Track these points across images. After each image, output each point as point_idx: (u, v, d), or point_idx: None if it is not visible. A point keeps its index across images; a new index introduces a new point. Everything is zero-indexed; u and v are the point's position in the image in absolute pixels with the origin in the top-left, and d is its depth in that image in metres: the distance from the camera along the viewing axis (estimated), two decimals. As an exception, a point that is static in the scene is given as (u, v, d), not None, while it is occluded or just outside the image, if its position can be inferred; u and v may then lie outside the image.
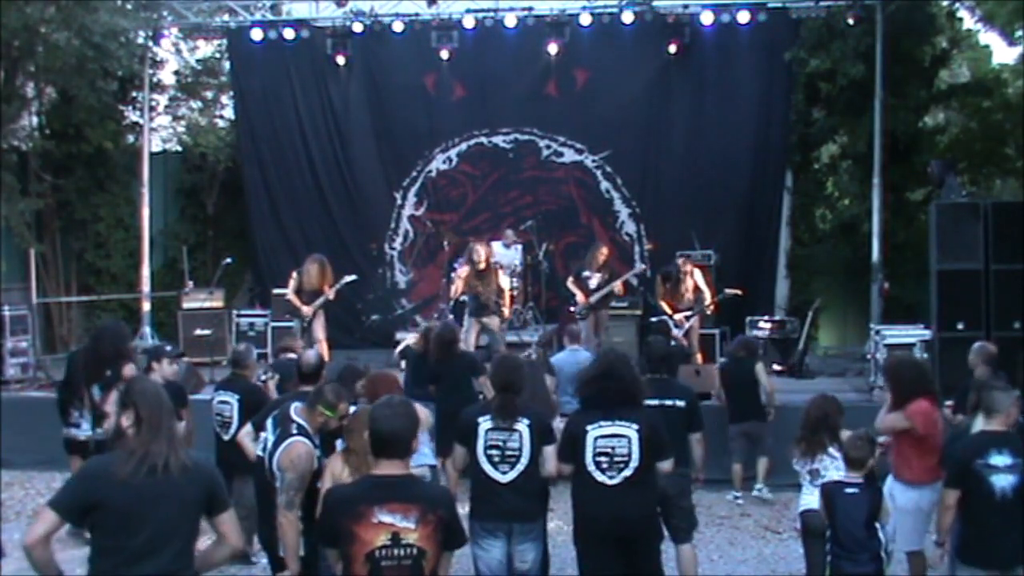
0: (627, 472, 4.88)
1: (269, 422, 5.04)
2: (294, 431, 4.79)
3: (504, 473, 5.10)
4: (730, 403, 8.78)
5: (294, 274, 10.89)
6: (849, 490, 5.06)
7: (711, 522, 8.07)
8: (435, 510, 3.59)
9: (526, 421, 5.13)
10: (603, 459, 4.90)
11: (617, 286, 10.61)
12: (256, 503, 5.25)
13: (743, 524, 8.21)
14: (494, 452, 5.12)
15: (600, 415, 4.96)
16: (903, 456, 5.85)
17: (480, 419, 5.18)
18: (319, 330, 10.62)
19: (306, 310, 10.59)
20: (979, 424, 5.15)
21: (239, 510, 4.25)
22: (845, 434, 5.56)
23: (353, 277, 11.12)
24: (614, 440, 4.89)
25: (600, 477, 4.90)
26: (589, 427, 4.93)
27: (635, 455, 4.88)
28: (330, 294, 10.65)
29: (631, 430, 4.90)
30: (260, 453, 4.98)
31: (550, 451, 5.20)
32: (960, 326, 9.43)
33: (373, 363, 9.34)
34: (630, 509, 4.92)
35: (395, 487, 3.60)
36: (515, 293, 12.36)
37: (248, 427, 5.59)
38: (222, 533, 3.61)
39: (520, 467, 5.09)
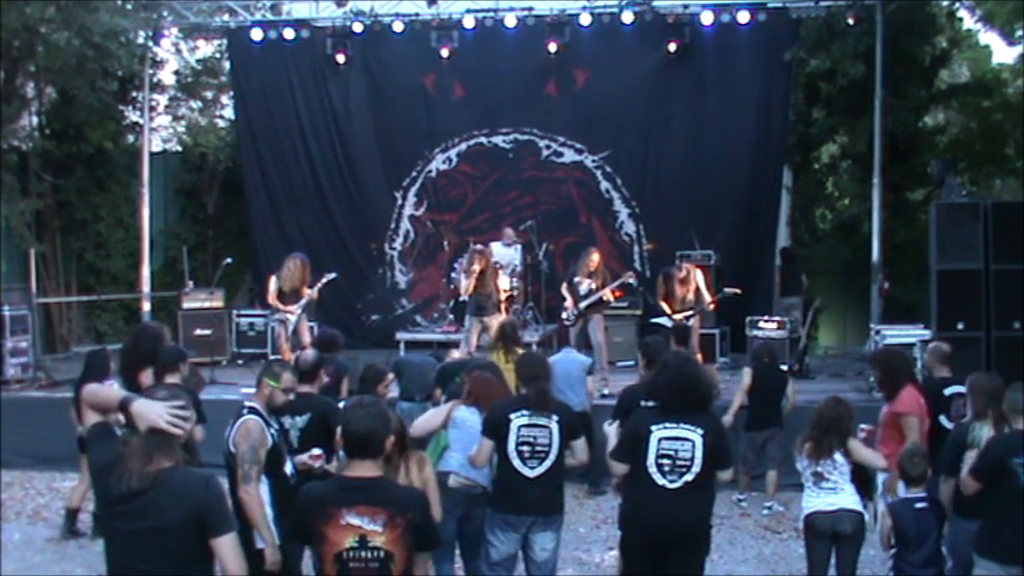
0: (688, 477, 4.77)
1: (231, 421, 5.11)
2: (244, 412, 4.95)
3: (532, 468, 5.19)
4: (752, 409, 8.50)
5: (273, 277, 10.76)
6: (919, 505, 5.12)
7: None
8: (404, 513, 3.58)
9: (556, 417, 5.23)
10: (665, 462, 4.79)
11: (606, 294, 10.58)
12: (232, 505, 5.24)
13: (743, 524, 8.21)
14: (525, 448, 5.19)
15: (665, 416, 4.87)
16: (894, 446, 5.93)
17: (512, 415, 5.22)
18: (305, 334, 10.52)
19: (291, 310, 10.50)
20: (987, 428, 5.16)
21: None
22: (853, 442, 5.56)
23: (333, 275, 11.06)
24: (678, 443, 4.80)
25: (660, 480, 4.80)
26: (654, 427, 4.83)
27: (698, 460, 4.76)
28: (312, 294, 10.59)
29: (696, 434, 4.79)
30: (224, 448, 5.00)
31: (580, 444, 5.34)
32: (960, 326, 9.42)
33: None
34: (687, 514, 4.82)
35: (365, 489, 3.60)
36: (515, 293, 12.37)
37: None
38: (219, 558, 3.36)
39: (548, 462, 5.20)
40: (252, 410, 4.97)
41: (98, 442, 3.45)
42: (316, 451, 5.19)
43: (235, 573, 3.33)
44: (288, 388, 5.15)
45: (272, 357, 5.20)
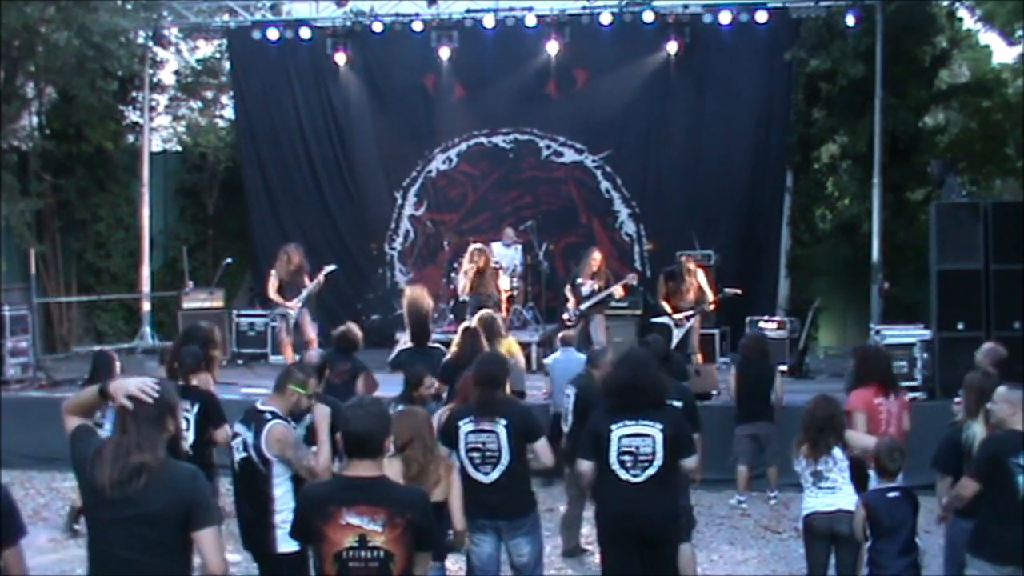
0: (651, 471, 4.90)
1: (239, 426, 5.03)
2: (268, 417, 4.87)
3: (486, 474, 5.18)
4: (741, 404, 8.56)
5: (272, 272, 10.71)
6: (892, 494, 5.11)
7: (711, 522, 8.07)
8: (404, 513, 3.57)
9: (503, 421, 5.17)
10: (627, 458, 4.91)
11: (617, 290, 10.54)
12: (236, 507, 5.20)
13: (743, 524, 8.20)
14: (475, 454, 5.19)
15: (624, 414, 4.97)
16: None
17: (460, 421, 5.23)
18: (309, 329, 10.48)
19: (292, 305, 10.46)
20: (979, 426, 5.15)
21: None
22: (848, 433, 5.58)
23: (333, 267, 11.03)
24: (638, 439, 4.92)
25: (624, 476, 4.92)
26: (613, 426, 4.95)
27: (659, 454, 4.90)
28: (313, 287, 10.55)
29: (655, 429, 4.92)
30: (244, 454, 4.96)
31: (540, 446, 5.29)
32: (960, 326, 9.42)
33: (372, 363, 9.32)
34: (654, 507, 4.94)
35: (365, 489, 3.60)
36: (515, 293, 12.37)
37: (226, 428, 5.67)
38: (200, 552, 3.39)
39: (502, 467, 5.16)
40: (274, 415, 4.90)
41: (80, 440, 3.53)
42: (315, 449, 5.18)
43: (215, 567, 3.36)
44: (315, 394, 5.09)
45: (291, 361, 5.18)
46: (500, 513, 5.20)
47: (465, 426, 5.20)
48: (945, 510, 5.15)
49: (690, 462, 5.13)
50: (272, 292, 10.53)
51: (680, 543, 5.33)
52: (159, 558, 3.35)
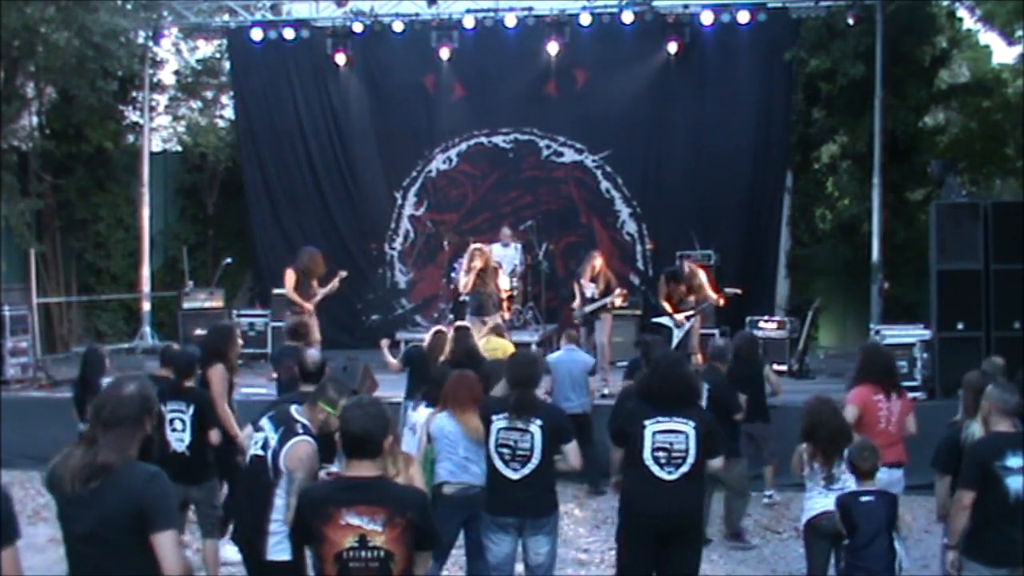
0: (684, 468, 4.96)
1: (266, 422, 4.93)
2: (299, 430, 4.69)
3: (515, 471, 5.17)
4: None
5: (292, 271, 10.70)
6: (865, 499, 5.09)
7: (711, 522, 8.05)
8: (404, 512, 3.58)
9: (539, 422, 5.18)
10: (661, 454, 4.95)
11: (612, 302, 10.50)
12: (244, 504, 5.12)
13: (743, 524, 8.19)
14: (505, 451, 5.18)
15: (658, 411, 5.02)
16: None
17: (494, 416, 5.22)
18: (315, 330, 10.52)
19: (308, 307, 10.52)
20: (977, 425, 5.15)
21: None
22: (856, 436, 5.57)
23: (344, 273, 11.07)
24: (672, 436, 4.96)
25: (658, 472, 4.95)
26: (647, 422, 4.98)
27: (692, 451, 4.95)
28: (328, 291, 10.61)
29: (688, 426, 4.97)
30: (260, 452, 4.87)
31: (571, 448, 5.31)
32: (960, 326, 9.43)
33: (373, 363, 9.35)
34: (685, 503, 5.02)
35: (364, 489, 3.61)
36: (515, 293, 12.36)
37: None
38: (157, 555, 3.32)
39: (531, 466, 5.16)
40: (306, 430, 4.72)
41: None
42: (333, 468, 5.02)
43: (170, 570, 3.32)
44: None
45: (329, 380, 5.10)
46: (525, 510, 5.20)
47: (499, 422, 5.20)
48: (953, 533, 5.04)
49: (716, 462, 5.18)
50: (291, 291, 10.54)
51: (702, 544, 5.36)
52: (118, 559, 3.35)
